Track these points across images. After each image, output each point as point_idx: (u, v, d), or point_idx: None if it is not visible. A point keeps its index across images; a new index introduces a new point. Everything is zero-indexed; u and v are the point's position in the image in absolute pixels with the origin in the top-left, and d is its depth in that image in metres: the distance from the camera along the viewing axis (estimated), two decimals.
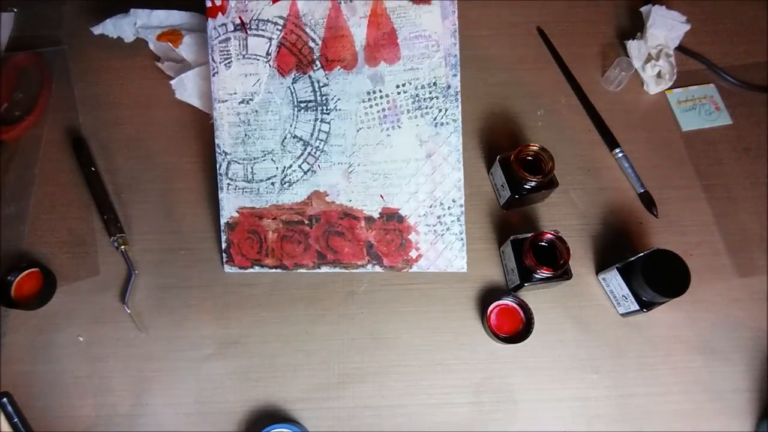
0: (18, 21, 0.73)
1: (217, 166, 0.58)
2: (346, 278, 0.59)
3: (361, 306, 0.58)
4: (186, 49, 0.65)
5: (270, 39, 0.56)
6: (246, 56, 0.56)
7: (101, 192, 0.62)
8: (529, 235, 0.54)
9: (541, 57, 0.71)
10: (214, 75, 0.57)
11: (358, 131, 0.57)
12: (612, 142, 0.65)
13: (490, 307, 0.56)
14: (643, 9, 0.70)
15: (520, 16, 0.73)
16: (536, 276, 0.53)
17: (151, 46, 0.68)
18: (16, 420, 0.51)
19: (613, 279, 0.56)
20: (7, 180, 0.63)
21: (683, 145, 0.66)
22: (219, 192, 0.58)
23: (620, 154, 0.64)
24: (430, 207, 0.57)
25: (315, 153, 0.57)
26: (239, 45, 0.56)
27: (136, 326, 0.57)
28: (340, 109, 0.56)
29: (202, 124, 0.66)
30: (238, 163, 0.58)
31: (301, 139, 0.57)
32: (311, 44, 0.56)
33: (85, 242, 0.61)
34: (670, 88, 0.69)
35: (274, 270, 0.59)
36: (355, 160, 0.57)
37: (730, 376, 0.55)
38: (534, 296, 0.57)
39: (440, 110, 0.56)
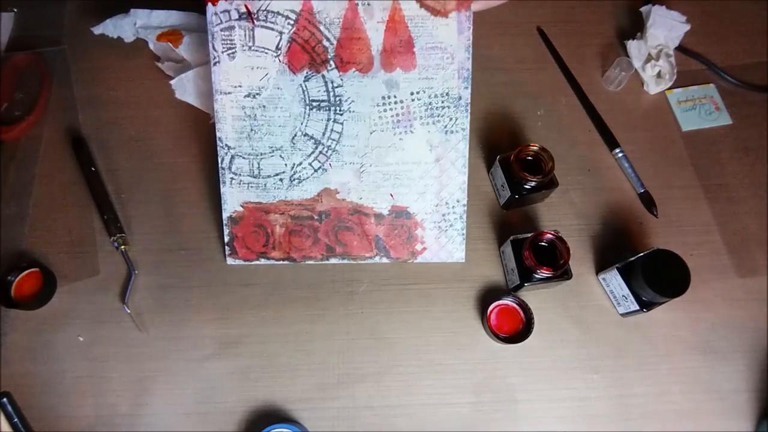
0: (18, 21, 0.73)
1: (219, 159, 0.57)
2: (346, 278, 0.59)
3: (361, 306, 0.58)
4: (186, 49, 0.65)
5: (281, 33, 0.55)
6: (253, 48, 0.55)
7: (101, 192, 0.62)
8: (529, 235, 0.54)
9: (541, 57, 0.71)
10: (215, 65, 0.55)
11: (371, 133, 0.57)
12: (612, 142, 0.65)
13: (490, 307, 0.56)
14: (643, 9, 0.70)
15: (520, 16, 0.73)
16: (536, 276, 0.53)
17: (151, 46, 0.68)
18: (16, 420, 0.51)
19: (613, 279, 0.56)
20: (7, 180, 0.63)
21: (683, 145, 0.66)
22: (221, 186, 0.58)
23: (620, 154, 0.64)
24: (436, 206, 0.59)
25: (326, 152, 0.57)
26: (245, 35, 0.55)
27: (136, 326, 0.57)
28: (353, 111, 0.57)
29: (202, 124, 0.66)
30: (243, 158, 0.57)
31: (312, 137, 0.57)
32: (325, 43, 0.55)
33: (85, 242, 0.61)
34: (670, 88, 0.69)
35: (280, 262, 0.59)
36: (367, 160, 0.58)
37: (730, 376, 0.55)
38: (534, 296, 0.57)
39: (451, 119, 0.57)
